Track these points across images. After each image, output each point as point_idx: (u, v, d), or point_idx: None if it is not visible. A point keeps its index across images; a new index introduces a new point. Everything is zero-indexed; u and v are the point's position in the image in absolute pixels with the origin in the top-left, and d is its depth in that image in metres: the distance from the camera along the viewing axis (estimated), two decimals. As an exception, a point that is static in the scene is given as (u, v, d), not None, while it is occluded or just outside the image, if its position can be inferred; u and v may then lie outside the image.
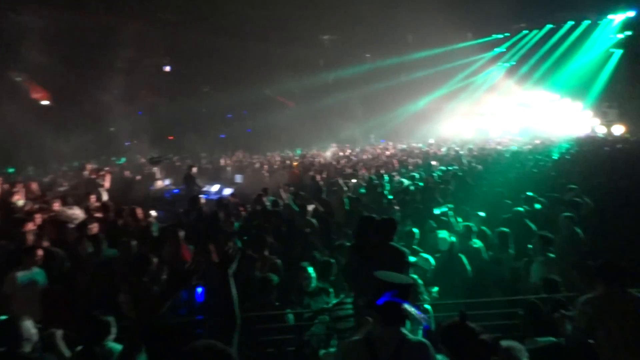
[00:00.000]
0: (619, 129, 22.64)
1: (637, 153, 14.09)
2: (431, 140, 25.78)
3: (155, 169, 13.21)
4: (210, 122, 20.18)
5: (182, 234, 5.63)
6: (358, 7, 27.43)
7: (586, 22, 24.67)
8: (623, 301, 2.84)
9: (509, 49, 27.91)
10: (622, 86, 23.29)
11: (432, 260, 5.53)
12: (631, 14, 23.17)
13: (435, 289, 5.02)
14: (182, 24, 23.93)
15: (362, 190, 9.94)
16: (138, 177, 13.54)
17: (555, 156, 14.15)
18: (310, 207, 7.73)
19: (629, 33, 23.86)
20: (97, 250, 5.55)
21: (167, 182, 13.00)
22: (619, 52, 24.30)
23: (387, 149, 22.09)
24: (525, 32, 26.92)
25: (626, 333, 2.68)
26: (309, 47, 31.30)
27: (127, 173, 14.38)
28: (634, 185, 8.66)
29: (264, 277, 4.55)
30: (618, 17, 23.76)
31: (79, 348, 3.09)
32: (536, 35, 26.48)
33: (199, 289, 4.19)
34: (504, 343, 2.95)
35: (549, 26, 25.81)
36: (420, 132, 27.32)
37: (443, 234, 6.01)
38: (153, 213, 6.35)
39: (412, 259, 4.75)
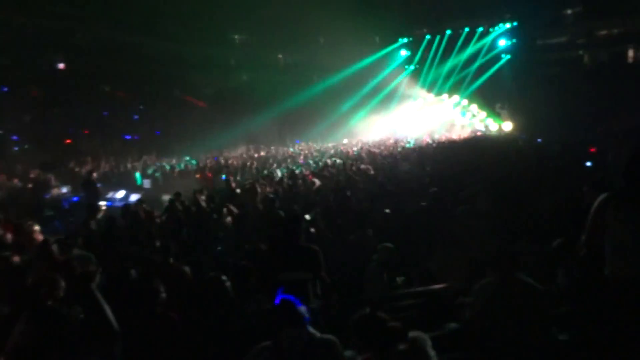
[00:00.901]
0: (508, 126, 25.02)
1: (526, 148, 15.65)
2: (345, 140, 26.51)
3: (50, 176, 12.09)
4: (113, 124, 18.83)
5: (55, 247, 4.92)
6: (270, 7, 27.39)
7: (480, 29, 27.18)
8: (511, 286, 3.09)
9: (413, 52, 29.50)
10: (511, 88, 25.74)
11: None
12: (515, 24, 26.44)
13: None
14: (79, 18, 22.15)
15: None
16: (29, 186, 12.29)
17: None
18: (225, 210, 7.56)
19: (514, 40, 26.94)
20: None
21: (64, 189, 11.96)
22: (507, 57, 27.02)
23: (302, 150, 22.33)
24: (428, 36, 28.65)
25: (513, 314, 2.93)
26: (219, 46, 30.62)
27: (15, 181, 12.97)
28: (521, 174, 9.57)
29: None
30: (505, 26, 26.75)
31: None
32: (437, 40, 28.31)
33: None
34: (411, 333, 3.08)
35: (448, 32, 27.81)
36: (338, 133, 27.91)
37: None
38: (36, 227, 5.70)
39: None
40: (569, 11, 28.04)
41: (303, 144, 25.70)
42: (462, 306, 3.49)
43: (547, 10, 27.39)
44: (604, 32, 27.10)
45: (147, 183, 13.70)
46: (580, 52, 28.12)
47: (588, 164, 11.44)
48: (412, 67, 30.30)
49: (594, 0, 25.32)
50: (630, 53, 25.93)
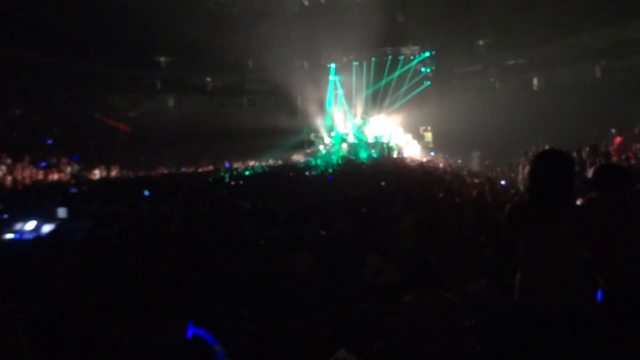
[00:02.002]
0: (431, 148, 26.37)
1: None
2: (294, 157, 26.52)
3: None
4: (24, 149, 17.45)
5: None
6: (195, 29, 27.13)
7: (401, 57, 28.79)
8: (434, 302, 3.18)
9: (343, 77, 30.34)
10: (432, 112, 27.30)
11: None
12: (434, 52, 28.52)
13: None
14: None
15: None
16: None
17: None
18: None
19: (433, 68, 28.90)
20: None
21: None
22: (427, 83, 28.76)
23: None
24: (355, 63, 29.71)
25: (433, 329, 3.01)
26: (144, 68, 29.75)
27: None
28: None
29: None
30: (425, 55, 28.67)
31: None
32: (365, 66, 29.44)
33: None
34: (336, 354, 3.07)
35: (373, 59, 29.09)
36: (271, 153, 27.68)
37: None
38: None
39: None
40: (482, 42, 30.54)
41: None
42: (388, 325, 3.53)
43: (462, 41, 29.70)
44: (512, 62, 29.75)
45: (62, 212, 12.60)
46: (492, 79, 30.61)
47: (502, 182, 12.36)
48: (340, 92, 31.15)
49: (503, 32, 27.75)
50: (535, 80, 28.65)
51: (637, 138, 12.84)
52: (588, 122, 17.53)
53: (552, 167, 2.43)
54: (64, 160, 18.66)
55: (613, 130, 10.82)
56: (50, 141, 20.73)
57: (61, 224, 10.93)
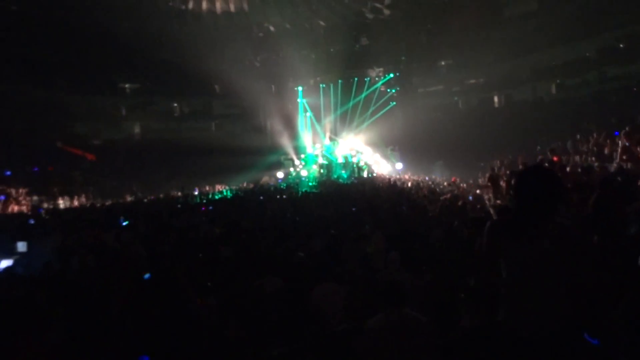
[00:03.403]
0: (399, 166, 26.80)
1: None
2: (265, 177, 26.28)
3: None
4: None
5: None
6: (161, 54, 27.00)
7: (367, 79, 29.47)
8: (401, 322, 3.18)
9: (311, 100, 30.65)
10: (398, 132, 27.83)
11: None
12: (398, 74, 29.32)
13: None
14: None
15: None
16: None
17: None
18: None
19: (397, 88, 29.63)
20: None
21: None
22: (393, 104, 29.44)
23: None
24: (322, 85, 30.14)
25: (402, 353, 3.00)
26: (108, 95, 29.26)
27: None
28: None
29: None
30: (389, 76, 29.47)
31: None
32: (331, 88, 29.89)
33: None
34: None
35: (340, 81, 29.62)
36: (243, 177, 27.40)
37: None
38: None
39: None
40: (443, 63, 31.57)
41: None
42: (356, 345, 3.49)
43: (424, 62, 30.67)
44: (472, 81, 30.81)
45: (22, 246, 12.04)
46: (455, 98, 31.58)
47: (470, 197, 12.62)
48: (309, 114, 31.45)
49: (463, 53, 28.78)
50: (495, 98, 29.72)
51: (568, 152, 13.55)
52: (546, 137, 18.22)
53: (537, 186, 2.35)
54: (24, 191, 17.98)
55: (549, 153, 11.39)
56: (8, 172, 19.97)
57: (19, 259, 10.45)
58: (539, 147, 17.00)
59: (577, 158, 12.19)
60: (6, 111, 23.19)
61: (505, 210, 5.57)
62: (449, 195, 12.56)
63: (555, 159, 9.87)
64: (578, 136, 14.91)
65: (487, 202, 11.10)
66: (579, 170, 8.73)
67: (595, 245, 4.51)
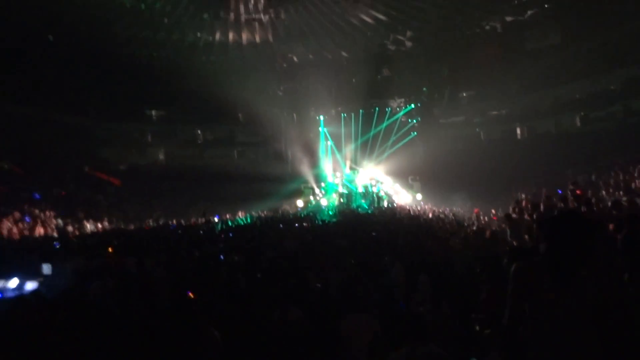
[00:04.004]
0: (419, 197, 26.60)
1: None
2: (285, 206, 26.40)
3: None
4: (9, 203, 17.29)
5: None
6: (187, 83, 27.82)
7: (388, 109, 29.69)
8: (425, 356, 3.11)
9: (332, 129, 30.97)
10: (419, 162, 27.78)
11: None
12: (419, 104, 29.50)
13: None
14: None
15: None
16: None
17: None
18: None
19: (419, 119, 29.76)
20: None
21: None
22: (414, 134, 29.48)
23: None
24: (343, 114, 30.49)
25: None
26: (134, 121, 30.13)
27: None
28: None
29: None
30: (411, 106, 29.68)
31: None
32: (352, 118, 30.19)
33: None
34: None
35: (361, 111, 29.92)
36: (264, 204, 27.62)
37: None
38: None
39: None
40: (465, 94, 31.66)
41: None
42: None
43: (446, 93, 30.82)
44: (495, 113, 30.73)
45: (47, 268, 12.23)
46: (477, 129, 31.47)
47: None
48: (330, 143, 31.71)
49: (485, 85, 28.84)
50: (518, 130, 29.49)
51: (594, 185, 13.16)
52: (570, 169, 17.90)
53: (570, 232, 2.29)
54: (51, 214, 18.42)
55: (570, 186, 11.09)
56: (37, 195, 20.55)
57: (44, 281, 10.63)
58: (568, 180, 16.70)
59: (604, 192, 11.91)
60: (38, 136, 24.11)
61: (520, 252, 5.34)
62: (474, 227, 12.35)
63: (578, 192, 9.65)
64: (603, 169, 14.63)
65: (508, 237, 10.86)
66: (608, 204, 8.53)
67: (626, 285, 4.36)
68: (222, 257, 9.23)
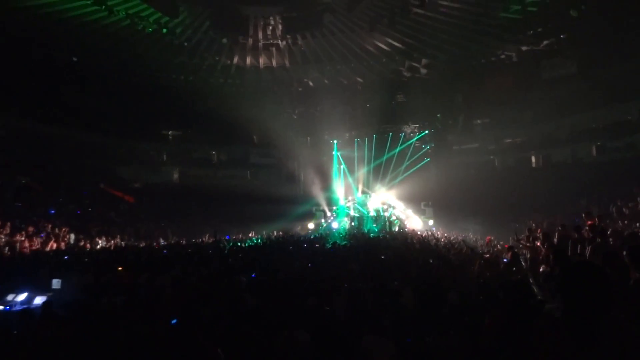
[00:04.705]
0: (431, 222, 26.36)
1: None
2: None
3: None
4: (25, 218, 17.60)
5: None
6: (204, 104, 28.31)
7: (402, 135, 29.80)
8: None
9: (345, 153, 31.10)
10: (432, 188, 27.59)
11: None
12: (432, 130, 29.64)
13: None
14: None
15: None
16: None
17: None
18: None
19: (432, 145, 29.80)
20: None
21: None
22: (427, 160, 29.45)
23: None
24: (357, 139, 30.65)
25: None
26: (150, 140, 30.60)
27: None
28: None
29: None
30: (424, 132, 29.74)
31: None
32: (365, 142, 30.34)
33: None
34: None
35: (375, 136, 30.05)
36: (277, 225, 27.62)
37: None
38: None
39: None
40: (479, 121, 31.61)
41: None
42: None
43: (460, 120, 30.81)
44: (509, 140, 30.57)
45: (56, 283, 12.33)
46: (491, 156, 31.27)
47: (505, 260, 12.13)
48: (343, 166, 31.79)
49: (499, 112, 28.77)
50: (533, 158, 29.22)
51: (611, 216, 12.83)
52: (585, 199, 17.61)
53: (585, 285, 2.18)
54: (65, 229, 18.62)
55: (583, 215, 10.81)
56: (52, 211, 20.84)
57: (53, 295, 10.66)
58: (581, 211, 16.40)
59: (620, 223, 11.65)
60: (59, 153, 24.63)
61: (515, 286, 5.06)
62: (488, 255, 12.14)
63: (589, 223, 9.44)
64: (619, 200, 14.36)
65: (523, 264, 10.65)
66: (625, 235, 8.33)
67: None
68: (230, 276, 9.18)
